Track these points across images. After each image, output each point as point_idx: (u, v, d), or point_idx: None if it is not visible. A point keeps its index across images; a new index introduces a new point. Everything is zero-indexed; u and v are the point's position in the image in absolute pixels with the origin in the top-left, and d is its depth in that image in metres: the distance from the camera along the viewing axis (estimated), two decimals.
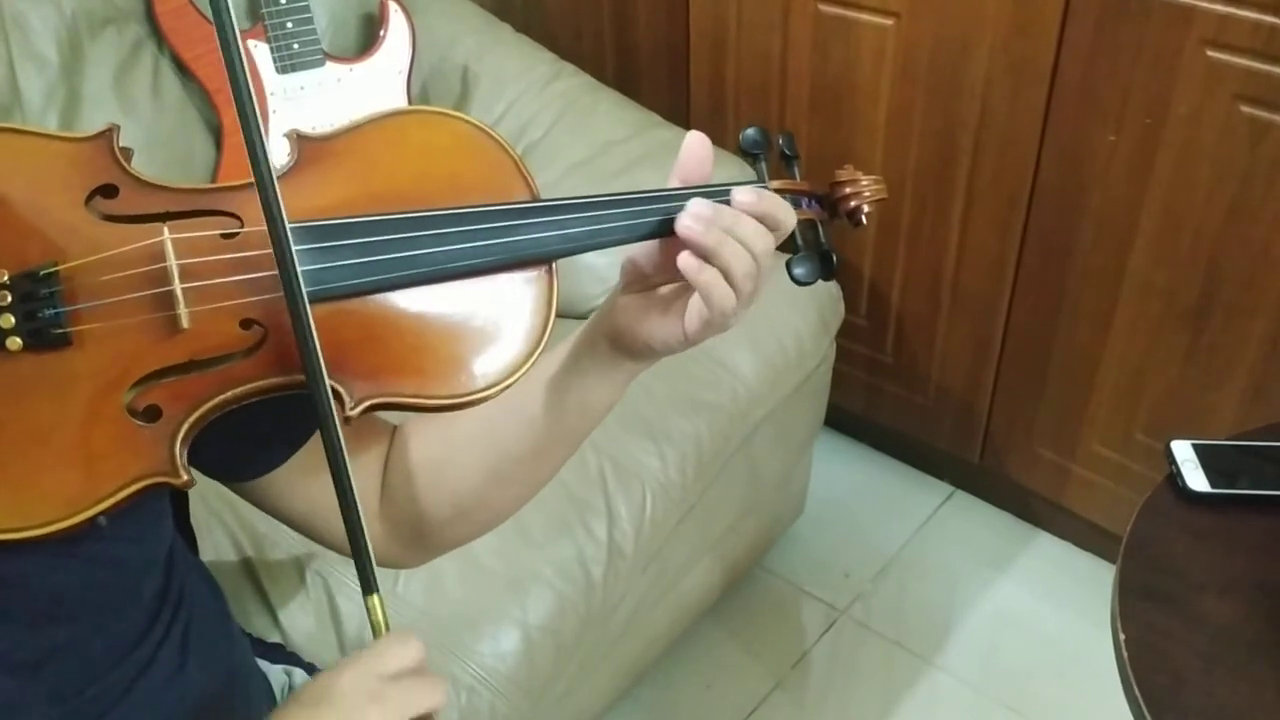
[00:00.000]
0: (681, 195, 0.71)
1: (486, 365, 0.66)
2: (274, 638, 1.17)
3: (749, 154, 0.77)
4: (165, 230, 0.61)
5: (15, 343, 0.58)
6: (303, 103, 1.58)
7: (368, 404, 0.63)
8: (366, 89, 1.63)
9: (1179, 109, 1.39)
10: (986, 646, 1.75)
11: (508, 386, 0.66)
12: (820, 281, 0.74)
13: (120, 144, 0.65)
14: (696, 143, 0.72)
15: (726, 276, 0.67)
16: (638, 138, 1.68)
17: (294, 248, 0.61)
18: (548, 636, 1.24)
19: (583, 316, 0.80)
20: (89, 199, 0.62)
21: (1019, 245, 1.63)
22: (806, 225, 0.76)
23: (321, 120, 1.59)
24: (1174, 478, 1.08)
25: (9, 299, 0.58)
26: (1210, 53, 1.33)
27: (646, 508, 1.36)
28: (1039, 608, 1.80)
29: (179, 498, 0.82)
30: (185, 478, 0.60)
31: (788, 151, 0.80)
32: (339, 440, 0.60)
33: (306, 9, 1.58)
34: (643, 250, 0.72)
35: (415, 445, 0.80)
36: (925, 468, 2.04)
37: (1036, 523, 1.93)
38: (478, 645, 1.20)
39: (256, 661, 0.92)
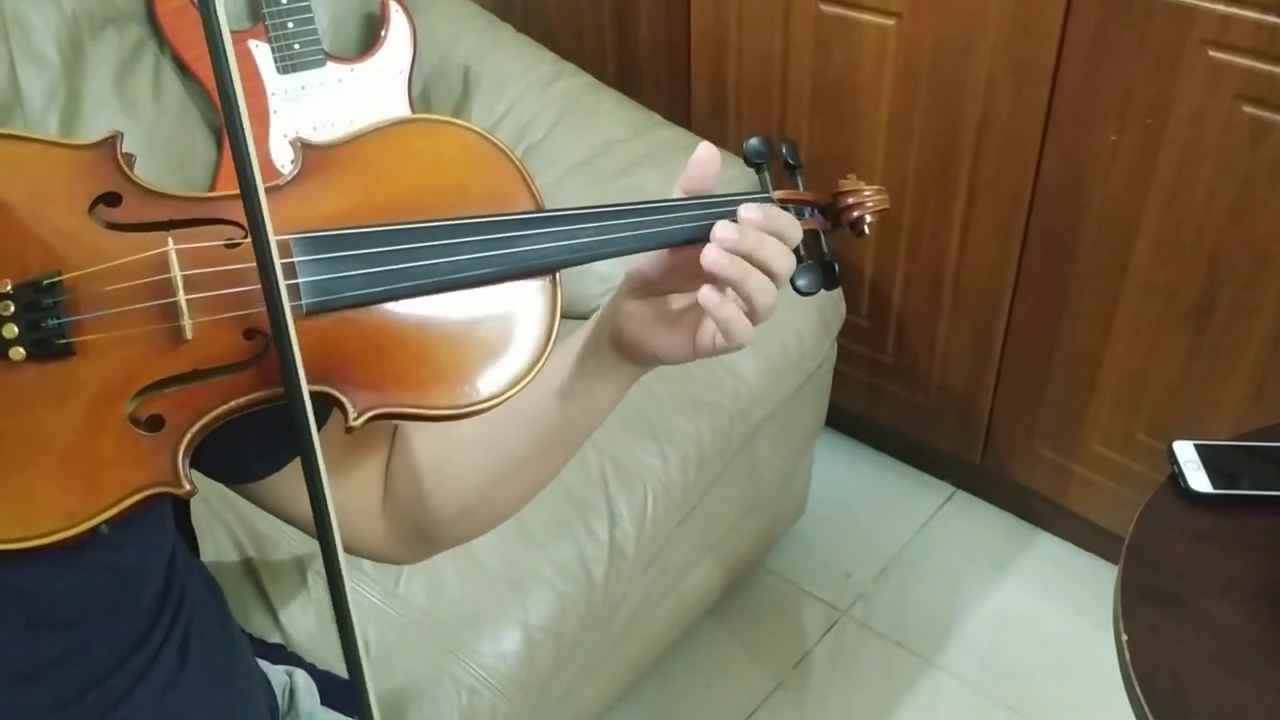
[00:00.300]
0: (686, 206, 0.71)
1: (490, 376, 0.65)
2: (275, 638, 1.17)
3: (753, 163, 0.77)
4: (170, 240, 0.61)
5: (18, 353, 0.58)
6: (303, 103, 1.58)
7: (371, 414, 0.63)
8: (367, 89, 1.62)
9: (1181, 109, 1.39)
10: (987, 647, 1.75)
11: (511, 397, 0.66)
12: (823, 291, 0.75)
13: (123, 150, 0.64)
14: (706, 158, 0.72)
15: (750, 307, 0.68)
16: (639, 138, 1.68)
17: (296, 258, 0.61)
18: (549, 636, 1.24)
19: (584, 316, 0.80)
20: (92, 207, 0.62)
21: (1020, 245, 1.63)
22: (809, 235, 0.76)
23: (322, 120, 1.59)
24: (1176, 478, 1.08)
25: (12, 309, 0.58)
26: (1212, 53, 1.33)
27: (648, 508, 1.36)
28: (1040, 608, 1.80)
29: (180, 500, 0.82)
30: (188, 487, 0.60)
31: (791, 161, 0.80)
32: (320, 475, 0.59)
33: (307, 9, 1.58)
34: (648, 259, 0.72)
35: (417, 447, 0.80)
36: (926, 468, 2.04)
37: (1038, 523, 1.93)
38: (479, 645, 1.20)
39: (257, 662, 0.91)
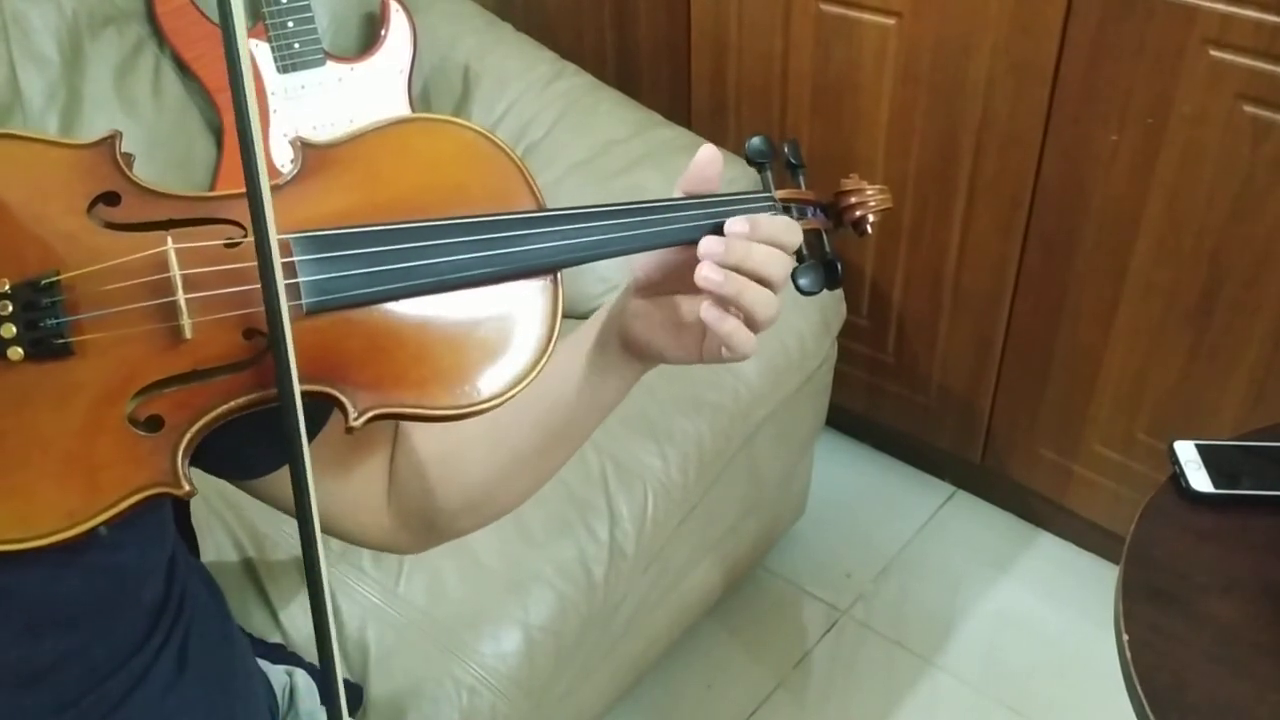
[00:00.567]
0: (688, 206, 0.71)
1: (491, 377, 0.65)
2: (275, 638, 1.17)
3: (754, 163, 0.77)
4: (169, 240, 0.61)
5: (16, 353, 0.57)
6: (303, 102, 1.58)
7: (371, 414, 0.63)
8: (367, 88, 1.62)
9: (1181, 108, 1.38)
10: (988, 647, 1.75)
11: (512, 398, 0.65)
12: (825, 291, 0.74)
13: (122, 150, 0.64)
14: (708, 160, 0.71)
15: (749, 321, 0.68)
16: (639, 137, 1.68)
17: (297, 257, 0.61)
18: (549, 637, 1.24)
19: (584, 316, 0.80)
20: (91, 207, 0.62)
21: (1021, 245, 1.63)
22: (811, 235, 0.76)
23: (322, 119, 1.59)
24: (1177, 478, 1.08)
25: (10, 309, 0.58)
26: (1213, 52, 1.33)
27: (648, 508, 1.36)
28: (1040, 608, 1.80)
29: (180, 501, 0.82)
30: (187, 488, 0.59)
31: (793, 160, 0.80)
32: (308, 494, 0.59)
33: (307, 8, 1.57)
34: (651, 259, 0.72)
35: (421, 443, 0.80)
36: (926, 468, 2.04)
37: (1038, 523, 1.93)
38: (479, 645, 1.20)
39: (257, 662, 0.91)
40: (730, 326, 0.67)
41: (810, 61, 1.71)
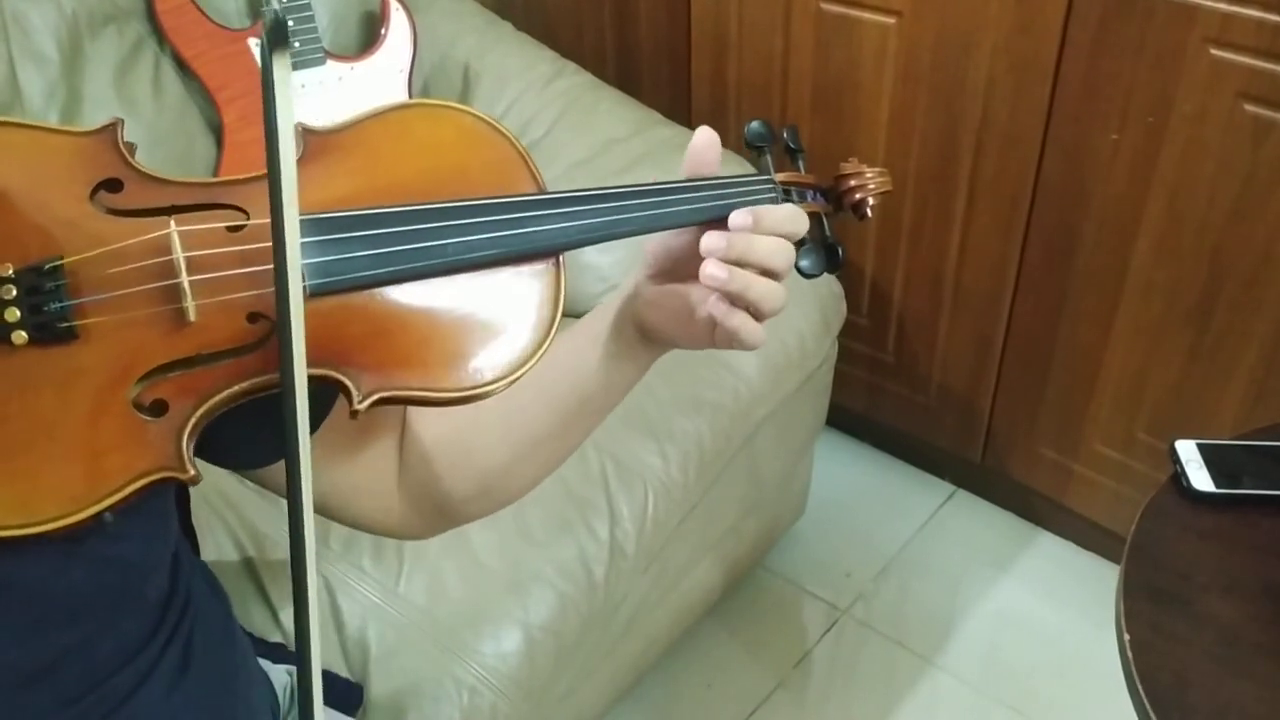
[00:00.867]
0: (691, 188, 0.71)
1: (495, 359, 0.65)
2: (275, 638, 1.16)
3: (754, 147, 0.77)
4: (172, 223, 0.61)
5: (20, 336, 0.57)
6: (304, 101, 1.58)
7: (375, 397, 0.63)
8: (368, 87, 1.62)
9: (1182, 108, 1.38)
10: (988, 646, 1.75)
11: (516, 380, 0.65)
12: (826, 274, 0.75)
13: (124, 139, 0.64)
14: (705, 143, 0.72)
15: (755, 312, 0.68)
16: (639, 136, 1.68)
17: (301, 239, 0.60)
18: (549, 636, 1.24)
19: (584, 315, 0.80)
20: (93, 193, 0.62)
21: (1021, 244, 1.63)
22: (811, 218, 0.76)
23: (322, 118, 1.59)
24: (1178, 477, 1.08)
25: (14, 293, 0.58)
26: (1213, 51, 1.33)
27: (648, 507, 1.36)
28: (1041, 607, 1.80)
29: (182, 499, 0.81)
30: (192, 473, 0.59)
31: (792, 145, 0.80)
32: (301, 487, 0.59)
33: (308, 7, 1.57)
34: (660, 245, 0.72)
35: (432, 426, 0.80)
36: (927, 467, 2.04)
37: (1038, 522, 1.93)
38: (479, 645, 1.20)
39: (259, 662, 0.91)
40: (737, 321, 0.68)
41: (810, 60, 1.71)
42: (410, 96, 1.67)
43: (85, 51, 1.49)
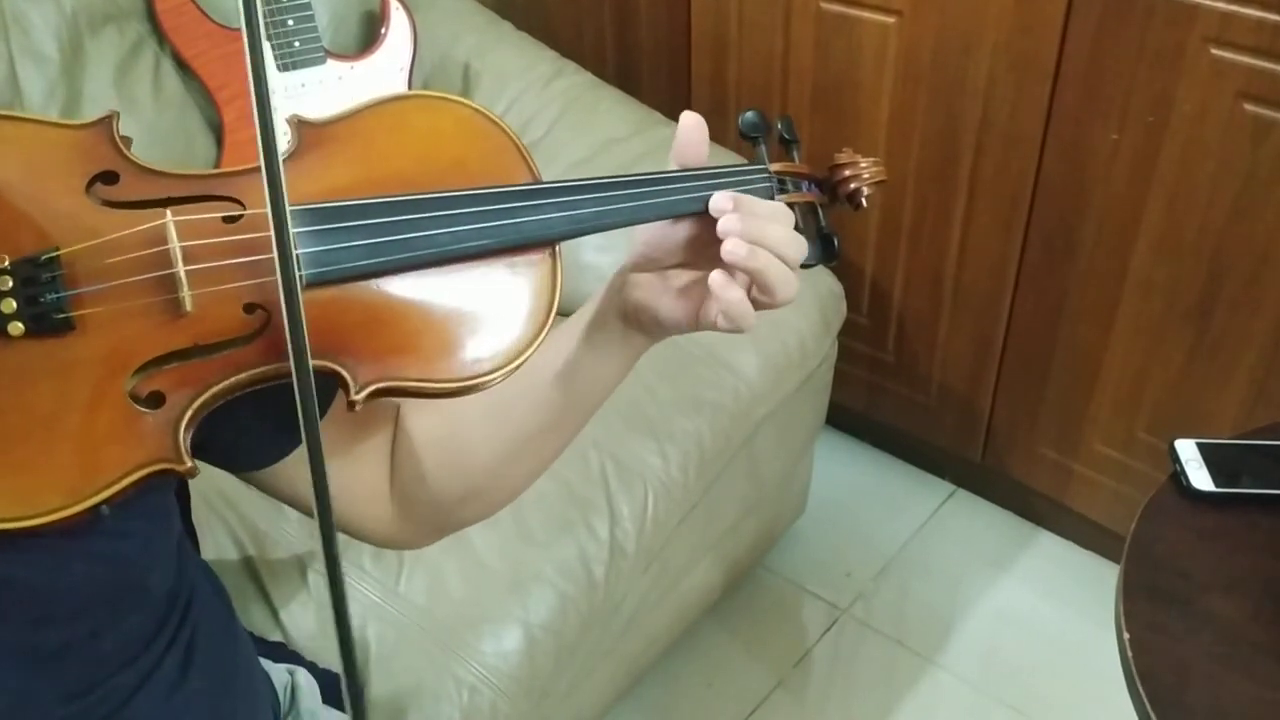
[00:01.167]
0: (683, 178, 0.71)
1: (492, 348, 0.65)
2: (275, 636, 1.17)
3: (748, 137, 0.77)
4: (168, 213, 0.61)
5: (17, 328, 0.57)
6: (304, 100, 1.58)
7: (373, 389, 0.62)
8: (368, 87, 1.62)
9: (1182, 107, 1.38)
10: (988, 645, 1.75)
11: (514, 370, 0.65)
12: (822, 264, 0.74)
13: (120, 132, 0.64)
14: (692, 125, 0.71)
15: (771, 299, 0.68)
16: (639, 135, 1.68)
17: (295, 230, 0.60)
18: (550, 636, 1.24)
19: None
20: (89, 185, 0.62)
21: (1021, 244, 1.63)
22: (807, 209, 0.76)
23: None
24: (1178, 477, 1.08)
25: (10, 284, 0.58)
26: (1213, 50, 1.33)
27: (648, 507, 1.36)
28: (1040, 607, 1.80)
29: (183, 497, 0.81)
30: (189, 465, 0.59)
31: (787, 135, 0.80)
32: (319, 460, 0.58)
33: (308, 6, 1.57)
34: (651, 235, 0.72)
35: (423, 425, 0.80)
36: (927, 466, 2.04)
37: (1038, 522, 1.93)
38: (480, 645, 1.20)
39: (260, 661, 0.91)
40: (735, 295, 0.67)
41: (810, 60, 1.71)
42: None
43: (85, 51, 1.49)
